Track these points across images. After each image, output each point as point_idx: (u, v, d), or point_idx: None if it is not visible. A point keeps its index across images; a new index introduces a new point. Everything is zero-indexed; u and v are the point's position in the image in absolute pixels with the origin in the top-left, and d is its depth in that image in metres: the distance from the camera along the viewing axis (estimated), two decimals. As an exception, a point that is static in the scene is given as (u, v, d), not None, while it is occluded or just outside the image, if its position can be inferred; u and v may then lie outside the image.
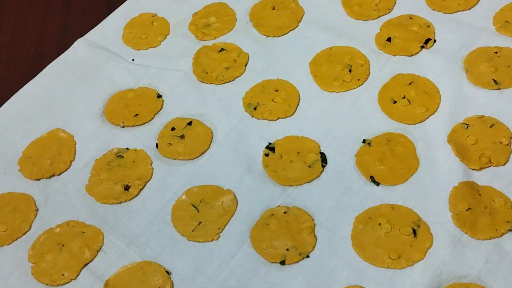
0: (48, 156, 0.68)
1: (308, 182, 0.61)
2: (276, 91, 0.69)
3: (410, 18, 0.74)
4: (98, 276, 0.58)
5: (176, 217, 0.61)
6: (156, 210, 0.62)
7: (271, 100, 0.68)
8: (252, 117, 0.68)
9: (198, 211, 0.61)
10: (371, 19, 0.75)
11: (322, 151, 0.63)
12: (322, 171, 0.61)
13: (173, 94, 0.72)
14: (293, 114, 0.67)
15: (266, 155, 0.64)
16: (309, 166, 0.62)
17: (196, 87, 0.73)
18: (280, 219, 0.59)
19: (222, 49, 0.76)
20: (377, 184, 0.60)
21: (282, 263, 0.56)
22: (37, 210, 0.64)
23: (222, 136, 0.67)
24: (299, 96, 0.69)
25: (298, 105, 0.68)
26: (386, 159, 0.61)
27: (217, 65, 0.74)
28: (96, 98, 0.74)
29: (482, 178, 0.59)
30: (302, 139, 0.64)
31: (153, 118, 0.70)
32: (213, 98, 0.71)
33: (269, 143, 0.64)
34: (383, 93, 0.67)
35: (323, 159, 0.62)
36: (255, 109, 0.68)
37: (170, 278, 0.57)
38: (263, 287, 0.55)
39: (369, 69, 0.70)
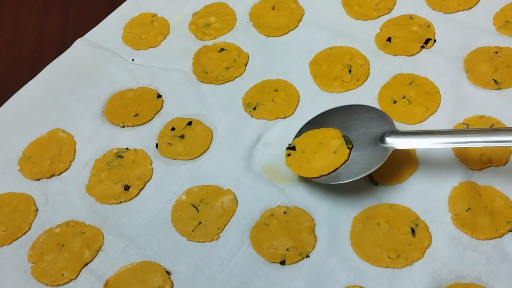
0: (48, 156, 0.68)
1: (338, 167, 0.58)
2: (276, 91, 0.69)
3: (410, 18, 0.74)
4: (98, 276, 0.58)
5: (176, 217, 0.61)
6: (156, 210, 0.62)
7: (271, 100, 0.68)
8: (252, 117, 0.68)
9: (198, 211, 0.61)
10: (371, 19, 0.75)
11: (344, 135, 0.60)
12: (349, 153, 0.58)
13: (173, 94, 0.72)
14: (292, 114, 0.67)
15: (288, 155, 0.61)
16: (334, 152, 0.59)
17: (196, 87, 0.73)
18: (280, 219, 0.59)
19: (222, 49, 0.76)
20: (376, 183, 0.60)
21: (282, 263, 0.56)
22: (37, 210, 0.64)
23: (222, 136, 0.67)
24: (298, 96, 0.69)
25: (297, 105, 0.68)
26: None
27: (217, 65, 0.74)
28: (96, 98, 0.74)
29: (482, 178, 0.59)
30: (321, 130, 0.62)
31: (153, 118, 0.70)
32: (213, 98, 0.71)
33: (289, 144, 0.62)
34: (383, 93, 0.67)
35: (347, 141, 0.59)
36: (254, 109, 0.68)
37: (170, 278, 0.57)
38: (263, 287, 0.55)
39: (369, 69, 0.70)
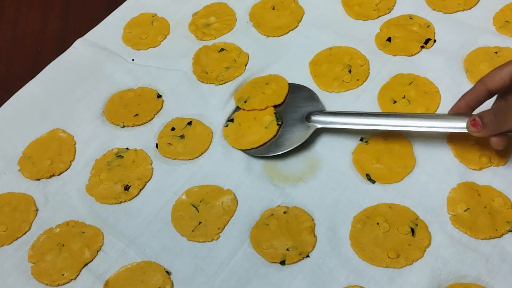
0: (48, 156, 0.68)
1: (267, 141, 0.64)
2: (267, 84, 0.70)
3: (410, 18, 0.74)
4: (98, 276, 0.58)
5: (176, 217, 0.61)
6: (156, 210, 0.62)
7: (261, 92, 0.69)
8: (243, 110, 0.68)
9: (198, 211, 0.61)
10: (371, 19, 0.75)
11: (275, 112, 0.65)
12: (279, 129, 0.64)
13: (173, 94, 0.72)
14: (282, 103, 0.67)
15: (226, 126, 0.66)
16: (265, 127, 0.64)
17: (196, 87, 0.73)
18: (280, 219, 0.59)
19: (222, 49, 0.76)
20: (373, 182, 0.60)
21: (282, 263, 0.56)
22: (37, 210, 0.64)
23: (222, 136, 0.67)
24: (288, 86, 0.69)
25: (287, 95, 0.68)
26: (383, 158, 0.61)
27: (217, 65, 0.74)
28: (96, 98, 0.74)
29: (482, 178, 0.59)
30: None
31: (153, 118, 0.70)
32: (213, 98, 0.71)
33: (229, 117, 0.67)
34: (383, 93, 0.67)
35: (278, 118, 0.65)
36: (245, 102, 0.68)
37: (170, 278, 0.57)
38: (263, 287, 0.55)
39: (369, 69, 0.70)
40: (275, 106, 0.66)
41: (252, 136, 0.64)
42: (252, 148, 0.64)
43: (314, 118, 0.63)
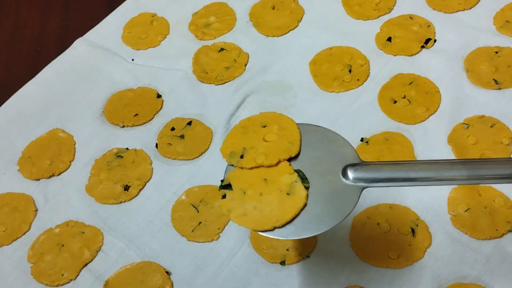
0: (48, 156, 0.68)
1: (297, 214, 0.42)
2: (264, 126, 0.48)
3: (410, 18, 0.74)
4: (98, 276, 0.58)
5: (175, 217, 0.61)
6: (156, 210, 0.62)
7: (261, 139, 0.47)
8: (241, 168, 0.46)
9: (198, 211, 0.61)
10: (371, 19, 0.75)
11: (296, 169, 0.44)
12: (308, 195, 0.43)
13: (173, 94, 0.72)
14: (298, 153, 0.45)
15: (223, 197, 0.45)
16: (288, 194, 0.43)
17: (196, 87, 0.73)
18: (280, 219, 0.58)
19: (222, 49, 0.76)
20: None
21: (282, 263, 0.56)
22: (36, 210, 0.64)
23: (222, 136, 0.67)
24: (298, 129, 0.47)
25: (301, 140, 0.46)
26: (384, 158, 0.61)
27: (217, 65, 0.74)
28: (96, 98, 0.74)
29: (482, 178, 0.59)
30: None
31: (152, 118, 0.70)
32: (213, 98, 0.71)
33: (221, 181, 0.45)
34: (383, 93, 0.67)
35: (302, 178, 0.44)
36: (242, 157, 0.46)
37: (170, 278, 0.57)
38: (263, 287, 0.55)
39: (369, 69, 0.70)
40: (288, 160, 0.45)
41: (270, 208, 0.43)
42: (275, 228, 0.42)
43: (356, 174, 0.43)
